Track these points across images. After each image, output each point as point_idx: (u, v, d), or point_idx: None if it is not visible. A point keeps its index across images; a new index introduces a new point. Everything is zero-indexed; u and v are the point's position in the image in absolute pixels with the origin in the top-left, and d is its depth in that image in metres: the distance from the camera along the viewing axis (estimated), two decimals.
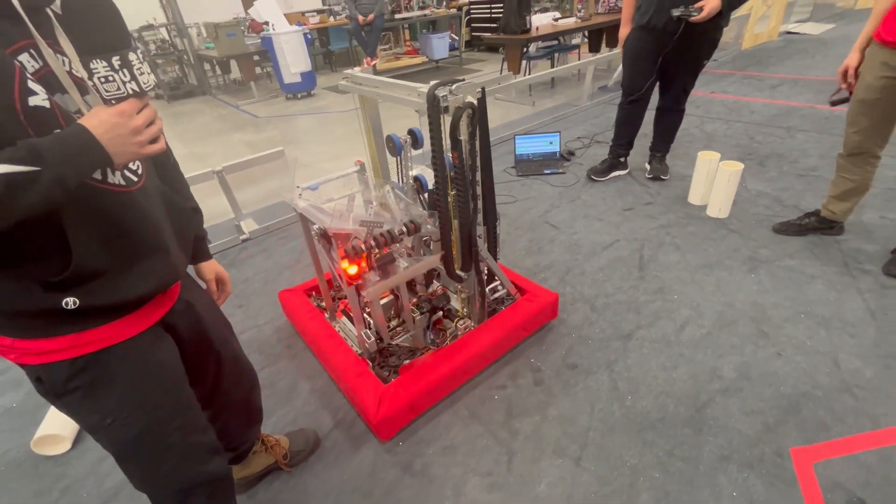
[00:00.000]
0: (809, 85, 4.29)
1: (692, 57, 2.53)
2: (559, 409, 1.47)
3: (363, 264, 1.35)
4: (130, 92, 0.66)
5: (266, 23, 5.80)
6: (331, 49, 7.72)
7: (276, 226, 2.74)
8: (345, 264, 1.33)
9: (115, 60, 0.63)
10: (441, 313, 1.68)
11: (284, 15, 5.89)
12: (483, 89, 1.24)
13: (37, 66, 0.62)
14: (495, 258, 1.60)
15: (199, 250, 1.06)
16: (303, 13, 7.50)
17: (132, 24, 5.98)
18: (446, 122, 1.22)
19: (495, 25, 6.68)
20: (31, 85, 0.58)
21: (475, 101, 1.21)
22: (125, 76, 0.65)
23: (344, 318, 1.74)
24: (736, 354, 1.59)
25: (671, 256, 2.13)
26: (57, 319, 0.70)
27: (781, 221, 2.22)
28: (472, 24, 7.91)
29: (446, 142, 1.24)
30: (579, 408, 1.46)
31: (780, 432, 1.33)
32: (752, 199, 2.51)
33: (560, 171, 3.08)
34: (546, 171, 3.09)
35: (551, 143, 3.24)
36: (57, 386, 0.75)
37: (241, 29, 6.11)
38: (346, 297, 1.81)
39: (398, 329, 1.67)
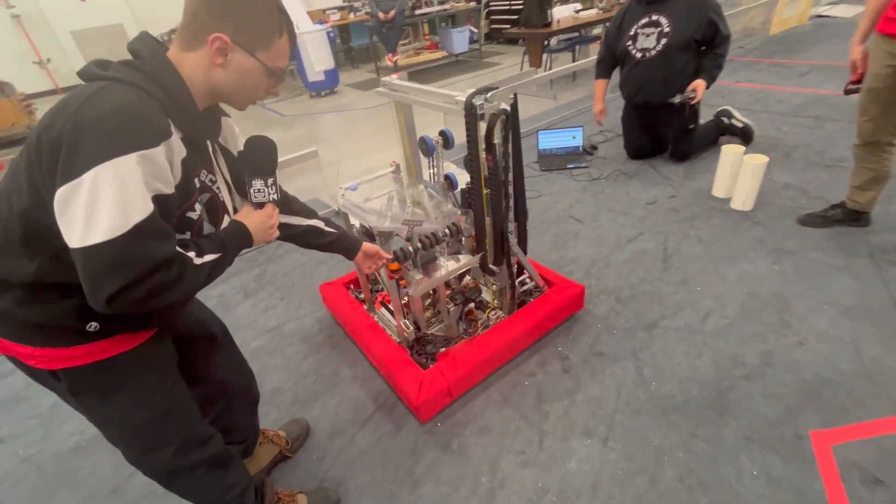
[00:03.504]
0: (840, 72, 4.20)
1: (679, 124, 2.88)
2: (587, 394, 1.56)
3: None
4: (271, 200, 0.94)
5: None
6: (352, 45, 7.84)
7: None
8: (391, 261, 1.44)
9: (269, 180, 0.92)
10: (473, 304, 1.79)
11: (306, 12, 6.03)
12: (515, 95, 1.33)
13: (198, 185, 0.86)
14: (525, 252, 1.70)
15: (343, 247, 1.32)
16: (324, 10, 7.63)
17: (164, 27, 6.21)
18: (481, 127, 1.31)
19: (515, 17, 6.68)
20: (196, 206, 0.84)
21: (508, 108, 1.29)
22: (270, 189, 0.93)
23: (382, 309, 1.87)
24: (759, 342, 1.65)
25: (695, 249, 2.18)
26: (79, 335, 0.81)
27: (807, 213, 2.24)
28: (492, 17, 7.91)
29: (481, 145, 1.33)
30: (606, 392, 1.55)
31: (801, 416, 1.40)
32: (777, 190, 2.53)
33: (584, 165, 3.14)
34: (569, 166, 3.14)
35: (574, 137, 3.29)
36: (75, 386, 0.86)
37: None
38: (383, 290, 1.94)
39: (433, 319, 1.79)
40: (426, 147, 1.80)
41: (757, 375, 1.53)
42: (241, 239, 0.90)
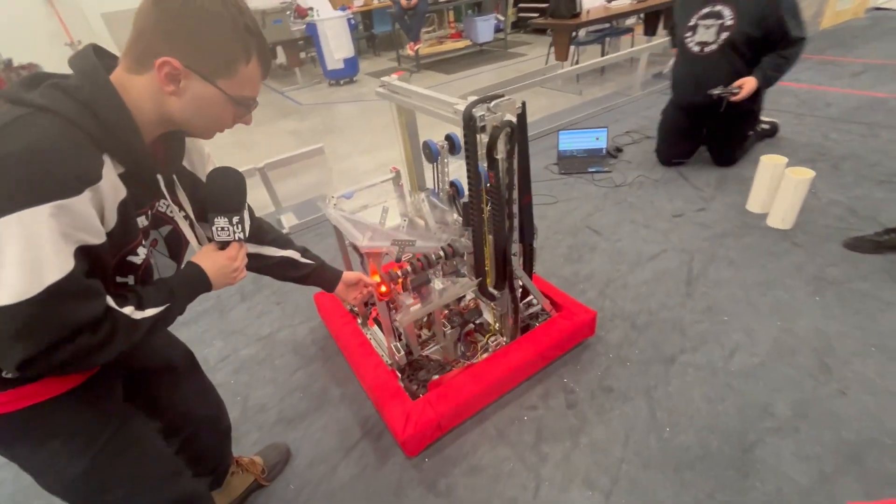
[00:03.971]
0: None
1: (735, 129, 2.66)
2: (591, 436, 1.41)
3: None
4: (237, 239, 0.84)
5: (311, 8, 5.81)
6: (374, 32, 7.67)
7: (315, 221, 2.78)
8: (377, 279, 1.32)
9: (235, 218, 0.82)
10: (472, 326, 1.65)
11: None
12: (524, 105, 1.17)
13: (146, 224, 0.77)
14: (530, 275, 1.54)
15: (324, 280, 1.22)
16: None
17: None
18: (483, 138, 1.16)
19: (544, 5, 6.38)
20: (139, 250, 0.74)
21: (514, 120, 1.13)
22: (236, 227, 0.83)
23: (375, 327, 1.74)
24: (793, 389, 1.46)
25: (724, 271, 1.98)
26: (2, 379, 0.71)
27: (855, 236, 2.00)
28: (519, 5, 7.61)
29: (482, 160, 1.18)
30: (613, 436, 1.40)
31: (838, 483, 1.21)
32: (821, 208, 2.28)
33: (606, 169, 2.93)
34: (590, 170, 2.94)
35: (598, 138, 3.07)
36: (2, 436, 0.76)
37: (287, 14, 6.16)
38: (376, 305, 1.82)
39: (429, 339, 1.66)
40: (430, 152, 1.66)
41: (789, 430, 1.35)
42: (195, 286, 0.81)
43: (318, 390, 1.69)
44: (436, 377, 1.51)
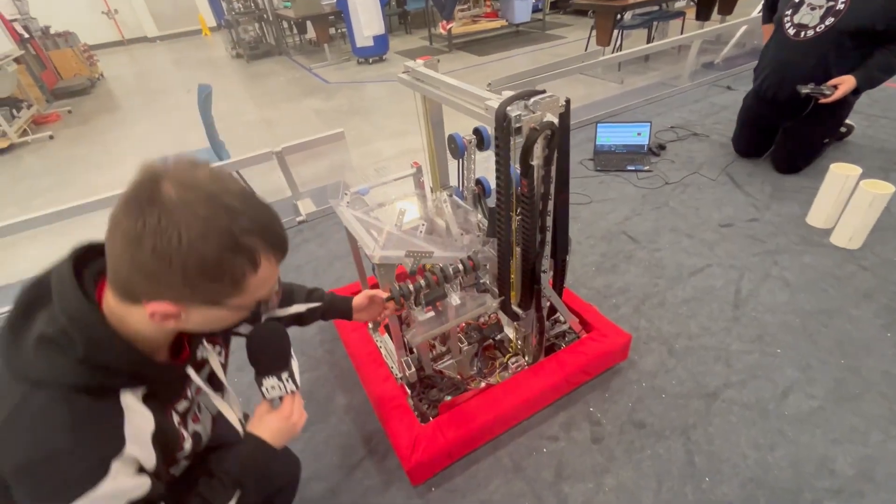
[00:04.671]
0: None
1: (813, 135, 2.35)
2: (619, 478, 1.26)
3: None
4: (289, 392, 0.77)
5: None
6: (406, 9, 7.41)
7: (332, 210, 2.65)
8: (386, 297, 1.18)
9: (284, 374, 0.76)
10: (492, 342, 1.50)
11: None
12: (568, 103, 0.99)
13: (186, 406, 0.74)
14: (560, 292, 1.38)
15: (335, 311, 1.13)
16: None
17: None
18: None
19: None
20: (185, 444, 0.70)
21: (556, 121, 0.96)
22: (286, 382, 0.77)
23: (386, 336, 1.62)
24: (857, 443, 1.27)
25: (778, 294, 1.76)
26: None
27: None
28: None
29: (514, 163, 1.02)
30: (644, 481, 1.25)
31: None
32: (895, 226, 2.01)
33: (646, 168, 2.69)
34: (629, 168, 2.71)
35: (639, 133, 2.83)
36: None
37: None
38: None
39: (443, 352, 1.53)
40: (455, 147, 1.50)
41: (852, 493, 1.16)
42: (261, 462, 0.74)
43: (323, 398, 1.59)
44: (448, 398, 1.38)
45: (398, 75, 1.37)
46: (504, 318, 1.57)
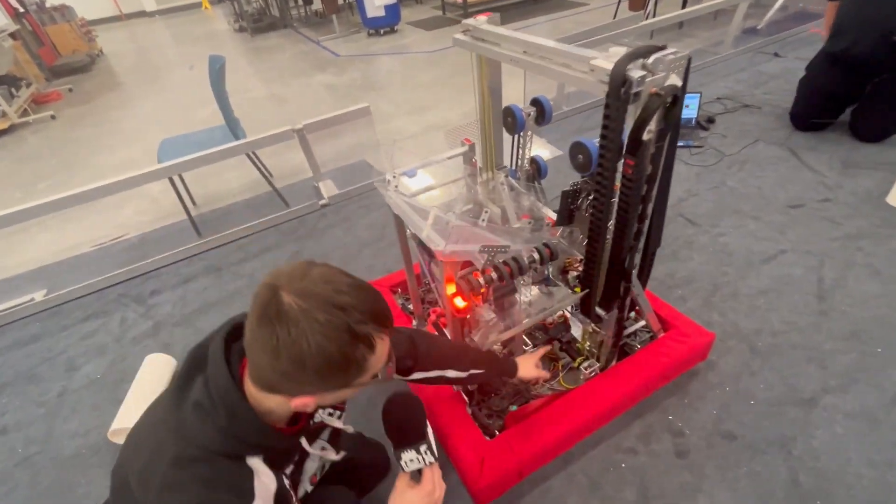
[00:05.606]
0: None
1: None
2: (713, 499, 1.11)
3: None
4: (427, 464, 0.77)
5: None
6: None
7: (357, 191, 2.47)
8: (452, 288, 1.01)
9: (422, 447, 0.77)
10: (559, 344, 1.34)
11: None
12: (689, 62, 0.79)
13: (293, 469, 0.78)
14: (644, 287, 1.20)
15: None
16: None
17: None
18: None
19: None
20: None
21: (679, 84, 0.76)
22: (425, 454, 0.77)
23: (437, 335, 1.45)
24: None
25: (867, 284, 1.58)
26: None
27: None
28: None
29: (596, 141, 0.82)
30: (742, 503, 1.10)
31: None
32: None
33: (695, 144, 2.47)
34: (678, 143, 2.48)
35: (687, 105, 2.59)
36: None
37: None
38: (437, 305, 1.52)
39: (504, 351, 1.37)
40: (514, 121, 1.31)
41: None
42: None
43: (364, 402, 1.44)
44: (514, 408, 1.23)
45: (454, 36, 1.16)
46: (571, 318, 1.40)
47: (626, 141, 0.82)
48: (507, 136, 1.40)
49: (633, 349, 1.34)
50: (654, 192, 0.92)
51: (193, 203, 2.61)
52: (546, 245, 1.01)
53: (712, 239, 1.87)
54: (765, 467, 1.15)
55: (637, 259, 1.07)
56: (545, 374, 1.25)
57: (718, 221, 1.95)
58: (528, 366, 1.21)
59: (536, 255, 1.01)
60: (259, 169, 2.44)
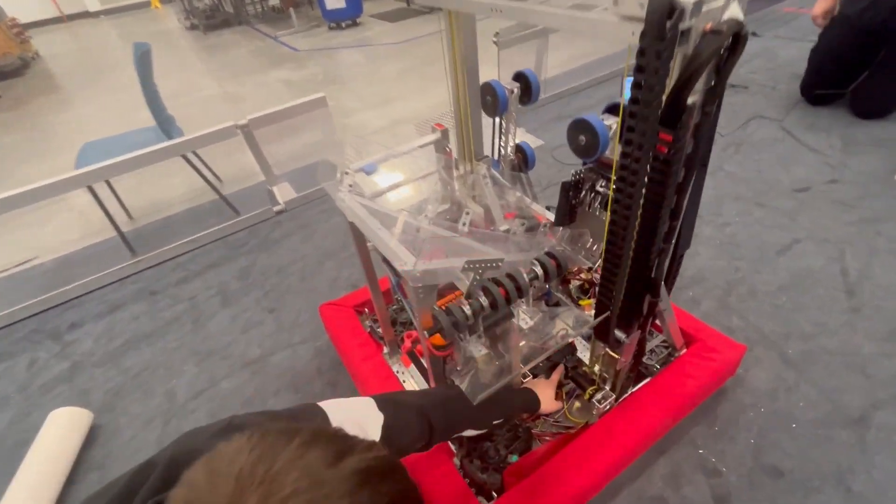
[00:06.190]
0: None
1: None
2: None
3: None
4: None
5: None
6: None
7: (317, 194, 2.18)
8: (428, 332, 0.75)
9: None
10: (564, 371, 1.10)
11: None
12: None
13: None
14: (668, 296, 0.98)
15: None
16: None
17: None
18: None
19: None
20: None
21: (742, 17, 0.53)
22: None
23: (413, 367, 1.19)
24: None
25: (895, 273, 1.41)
26: None
27: None
28: None
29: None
30: None
31: None
32: None
33: None
34: None
35: None
36: None
37: None
38: (413, 332, 1.26)
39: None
40: (494, 99, 1.08)
41: None
42: None
43: None
44: (514, 458, 0.98)
45: None
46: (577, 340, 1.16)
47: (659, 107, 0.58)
48: (486, 121, 1.16)
49: (650, 370, 1.11)
50: (693, 179, 0.69)
51: (129, 216, 2.27)
52: (550, 255, 0.76)
53: (717, 230, 1.67)
54: None
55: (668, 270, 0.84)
56: (561, 404, 1.02)
57: (720, 210, 1.76)
58: (548, 398, 1.00)
59: (539, 270, 0.76)
60: (200, 173, 2.12)
